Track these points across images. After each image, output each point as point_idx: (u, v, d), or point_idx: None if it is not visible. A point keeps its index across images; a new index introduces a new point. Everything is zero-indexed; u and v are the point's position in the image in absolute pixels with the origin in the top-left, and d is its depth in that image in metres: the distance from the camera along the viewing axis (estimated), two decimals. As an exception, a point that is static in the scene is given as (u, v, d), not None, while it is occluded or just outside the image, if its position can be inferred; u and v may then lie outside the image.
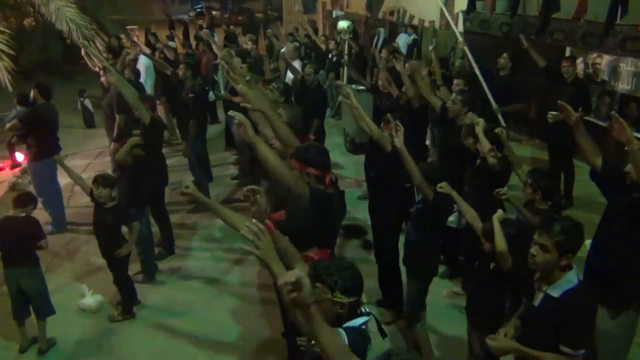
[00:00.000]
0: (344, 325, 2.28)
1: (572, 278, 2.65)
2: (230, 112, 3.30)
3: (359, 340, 2.27)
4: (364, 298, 2.39)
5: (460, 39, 8.10)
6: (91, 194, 4.78)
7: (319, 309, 2.22)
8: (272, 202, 5.52)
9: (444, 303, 4.90)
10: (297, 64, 8.65)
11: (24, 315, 4.51)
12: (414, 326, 4.15)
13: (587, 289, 2.74)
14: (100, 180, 4.71)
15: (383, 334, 2.49)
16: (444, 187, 3.66)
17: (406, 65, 6.23)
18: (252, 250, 2.16)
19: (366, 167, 5.24)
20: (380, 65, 6.83)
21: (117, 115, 7.06)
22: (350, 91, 4.42)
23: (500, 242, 3.22)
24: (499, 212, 3.43)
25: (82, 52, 7.37)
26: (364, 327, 2.33)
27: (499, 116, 7.12)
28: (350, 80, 10.02)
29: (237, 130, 7.68)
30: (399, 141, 3.83)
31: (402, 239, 4.89)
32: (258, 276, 5.61)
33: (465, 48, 7.60)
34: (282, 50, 10.53)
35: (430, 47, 7.49)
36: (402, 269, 4.74)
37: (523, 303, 3.00)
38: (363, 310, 2.41)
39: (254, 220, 2.23)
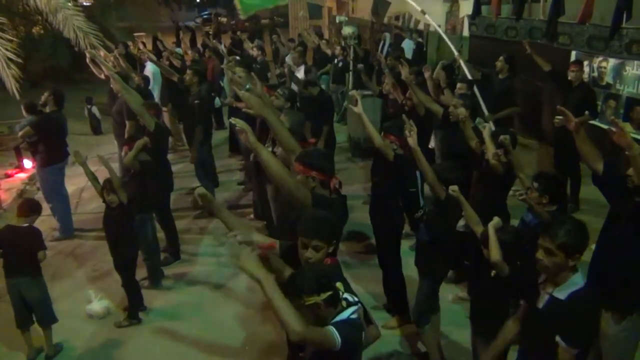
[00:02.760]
0: (333, 320, 2.32)
1: (578, 280, 2.63)
2: (232, 120, 3.31)
3: (351, 330, 2.31)
4: (339, 286, 2.40)
5: (456, 53, 8.15)
6: (102, 195, 4.84)
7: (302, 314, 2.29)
8: (277, 208, 5.57)
9: (450, 308, 4.88)
10: (302, 69, 8.70)
11: (27, 323, 4.52)
12: (422, 328, 4.14)
13: (593, 291, 2.72)
14: (109, 186, 4.76)
15: (369, 322, 2.50)
16: (455, 190, 3.67)
17: (410, 76, 6.29)
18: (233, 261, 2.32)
19: (371, 173, 5.26)
20: (386, 71, 6.86)
21: (127, 122, 7.12)
22: (358, 97, 4.43)
23: (495, 252, 3.16)
24: (495, 219, 3.37)
25: (87, 60, 7.44)
26: (353, 316, 2.35)
27: (490, 123, 7.12)
28: (356, 86, 10.05)
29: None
30: (412, 141, 3.86)
31: (403, 243, 4.92)
32: (264, 281, 5.62)
33: (461, 61, 7.69)
34: (287, 58, 10.58)
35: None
36: (407, 274, 4.77)
37: (522, 304, 2.98)
38: (350, 299, 2.43)
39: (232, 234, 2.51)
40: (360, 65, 9.22)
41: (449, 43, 8.03)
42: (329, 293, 2.32)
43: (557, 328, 2.58)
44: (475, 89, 7.10)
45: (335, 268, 2.74)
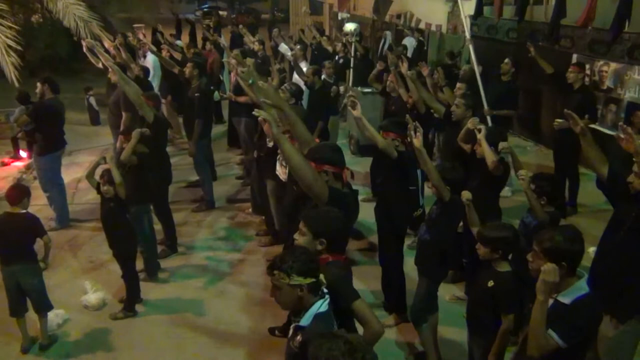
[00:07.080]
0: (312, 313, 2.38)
1: (582, 286, 2.63)
2: (255, 112, 3.24)
3: (323, 328, 2.35)
4: (322, 278, 2.49)
5: (468, 36, 8.15)
6: (97, 188, 4.81)
7: (280, 294, 2.41)
8: (276, 202, 5.55)
9: (447, 307, 4.88)
10: (303, 65, 8.66)
11: (21, 311, 4.50)
12: (420, 327, 4.14)
13: (597, 298, 2.72)
14: (107, 176, 4.72)
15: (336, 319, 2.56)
16: (469, 199, 3.76)
17: (409, 71, 6.27)
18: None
19: (372, 173, 5.25)
20: (392, 68, 6.83)
21: (123, 113, 7.07)
22: (358, 102, 4.40)
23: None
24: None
25: (84, 49, 7.37)
26: (321, 310, 2.41)
27: (488, 118, 7.08)
28: (357, 83, 10.03)
29: (243, 130, 7.75)
30: (418, 142, 3.86)
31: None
32: (261, 275, 5.60)
33: (471, 47, 7.64)
34: (287, 52, 10.53)
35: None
36: (406, 273, 4.76)
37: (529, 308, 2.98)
38: (322, 291, 2.49)
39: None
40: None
41: (465, 25, 8.23)
42: (313, 280, 2.41)
43: (553, 325, 2.59)
44: (480, 83, 7.08)
45: (338, 265, 2.75)
